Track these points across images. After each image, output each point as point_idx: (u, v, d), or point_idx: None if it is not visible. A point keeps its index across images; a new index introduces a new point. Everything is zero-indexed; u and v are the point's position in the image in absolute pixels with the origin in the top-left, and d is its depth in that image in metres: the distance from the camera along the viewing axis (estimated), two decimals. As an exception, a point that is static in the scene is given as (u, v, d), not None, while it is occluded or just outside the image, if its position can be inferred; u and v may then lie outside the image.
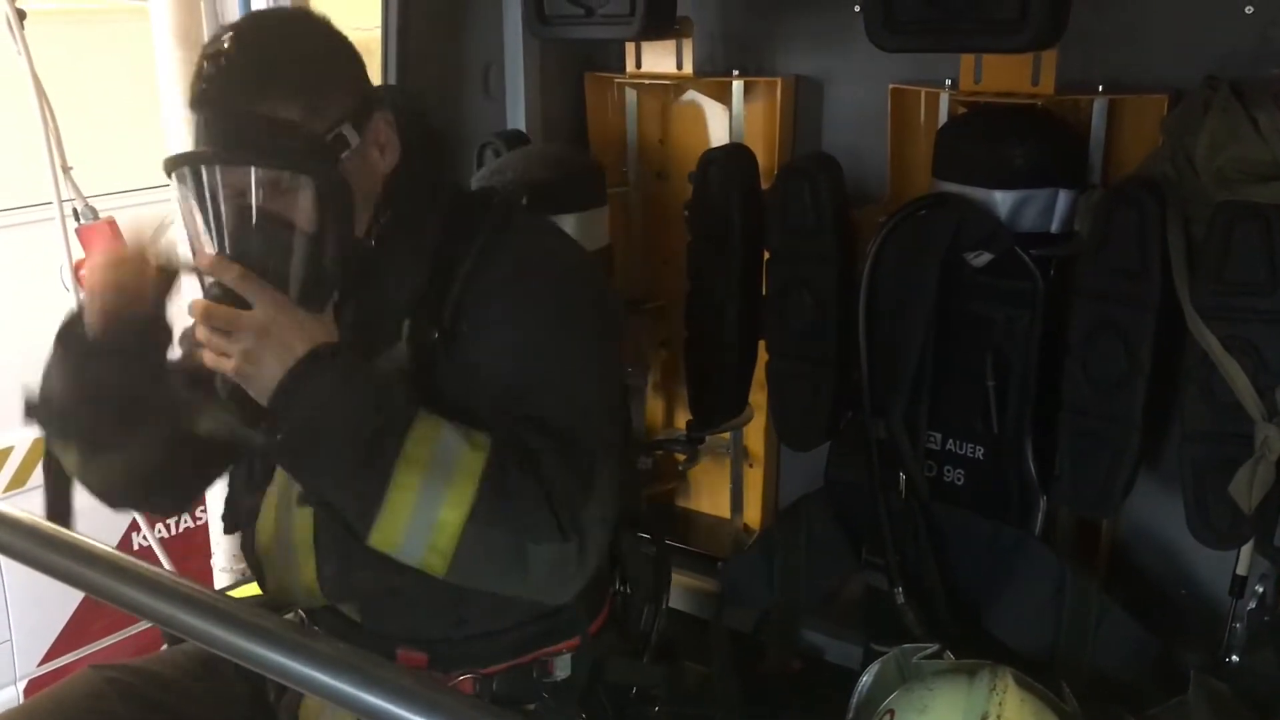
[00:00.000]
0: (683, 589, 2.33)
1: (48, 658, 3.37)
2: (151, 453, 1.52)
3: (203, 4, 2.70)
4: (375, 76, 1.97)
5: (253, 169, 1.32)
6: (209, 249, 1.36)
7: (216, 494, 3.02)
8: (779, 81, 2.46)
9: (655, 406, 2.80)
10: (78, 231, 2.67)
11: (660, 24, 2.23)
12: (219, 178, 1.33)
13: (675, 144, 2.69)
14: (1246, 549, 1.97)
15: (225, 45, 1.35)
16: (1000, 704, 1.67)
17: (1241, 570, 2.00)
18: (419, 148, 1.49)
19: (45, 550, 1.13)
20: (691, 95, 2.64)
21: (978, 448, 2.19)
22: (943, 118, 2.25)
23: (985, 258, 2.07)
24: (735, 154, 2.34)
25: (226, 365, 1.31)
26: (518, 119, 2.67)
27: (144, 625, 3.18)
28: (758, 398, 2.49)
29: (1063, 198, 2.06)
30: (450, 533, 1.30)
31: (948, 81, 2.25)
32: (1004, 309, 2.10)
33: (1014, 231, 2.05)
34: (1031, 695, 1.73)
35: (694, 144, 2.58)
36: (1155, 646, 2.01)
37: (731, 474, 2.74)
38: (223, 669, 1.62)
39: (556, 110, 2.73)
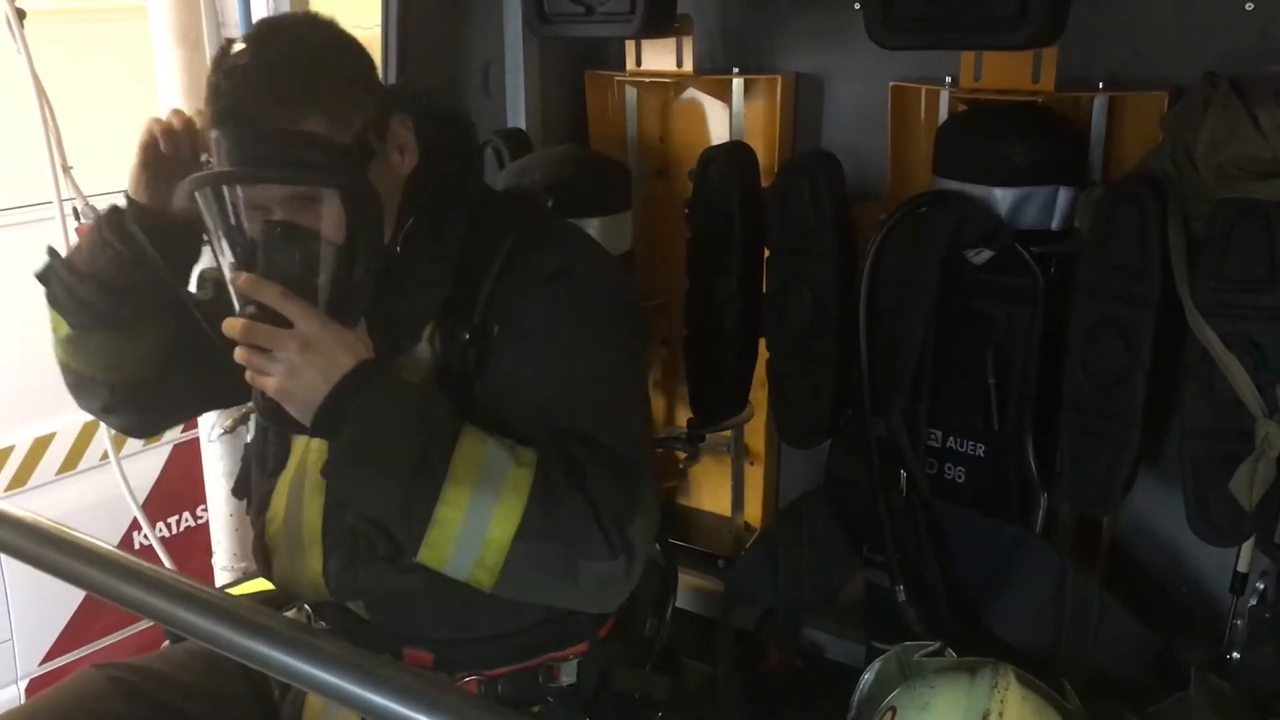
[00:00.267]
0: (683, 587, 2.32)
1: (49, 657, 3.37)
2: (145, 347, 1.52)
3: (203, 4, 2.70)
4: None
5: (282, 186, 1.31)
6: (234, 265, 1.35)
7: (216, 494, 3.03)
8: (779, 79, 2.46)
9: (655, 405, 2.80)
10: (78, 231, 2.66)
11: (660, 22, 2.22)
12: (247, 195, 1.33)
13: (675, 142, 2.69)
14: (1247, 546, 1.97)
15: (243, 59, 1.33)
16: (1002, 701, 1.67)
17: (1242, 567, 2.00)
18: (438, 147, 1.48)
19: (47, 549, 1.13)
20: (692, 93, 2.64)
21: (978, 445, 2.19)
22: (943, 115, 2.25)
23: (985, 255, 2.07)
24: (735, 152, 2.33)
25: (269, 384, 1.30)
26: (518, 117, 2.67)
27: (145, 624, 3.19)
28: (758, 396, 2.49)
29: (1063, 195, 2.06)
30: (499, 549, 1.30)
31: (948, 79, 2.24)
32: (1004, 306, 2.10)
33: (1014, 229, 2.05)
34: (1033, 693, 1.73)
35: (694, 142, 2.57)
36: (1156, 644, 2.01)
37: (732, 472, 2.74)
38: (226, 667, 1.62)
39: (556, 108, 2.73)
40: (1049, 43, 1.83)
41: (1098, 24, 2.05)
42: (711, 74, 2.53)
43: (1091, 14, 1.96)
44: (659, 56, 2.54)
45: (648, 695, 1.69)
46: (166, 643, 1.75)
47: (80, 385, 1.59)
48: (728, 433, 2.67)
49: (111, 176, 2.99)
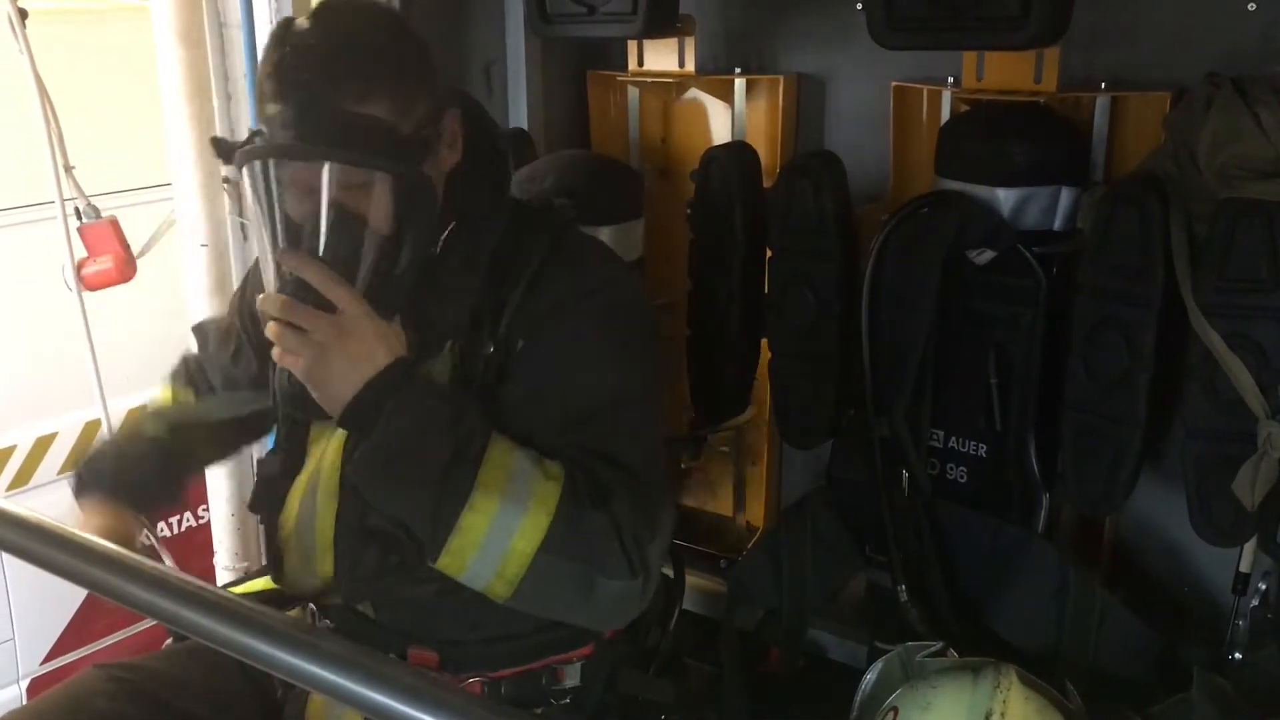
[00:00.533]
0: (686, 588, 2.33)
1: (50, 656, 3.37)
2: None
3: (204, 3, 2.69)
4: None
5: (339, 167, 1.27)
6: (280, 243, 1.31)
7: (216, 493, 3.03)
8: (781, 80, 2.46)
9: (657, 405, 2.80)
10: (80, 230, 2.66)
11: (662, 22, 2.22)
12: (300, 175, 1.29)
13: (677, 142, 2.69)
14: (1249, 546, 1.97)
15: (309, 37, 1.29)
16: (1004, 702, 1.67)
17: (1244, 567, 2.00)
18: (476, 150, 1.45)
19: (50, 548, 1.13)
20: (694, 93, 2.64)
21: (980, 445, 2.19)
22: (945, 116, 2.26)
23: (988, 255, 2.07)
24: (737, 152, 2.34)
25: (298, 365, 1.27)
26: (519, 118, 2.67)
27: (147, 624, 3.19)
28: (760, 396, 2.49)
29: (1065, 195, 2.06)
30: (520, 561, 1.29)
31: (950, 79, 2.25)
32: (1006, 307, 2.10)
33: (1016, 229, 2.05)
34: (1035, 693, 1.73)
35: (696, 142, 2.58)
36: (1158, 644, 2.01)
37: (734, 472, 2.74)
38: (228, 666, 1.61)
39: (558, 109, 2.73)
40: (1051, 43, 1.84)
41: (1100, 24, 2.05)
42: (714, 74, 2.54)
43: (1094, 14, 1.96)
44: (661, 57, 2.54)
45: (652, 699, 1.69)
46: (168, 642, 1.74)
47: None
48: (729, 433, 2.67)
49: (113, 176, 3.01)
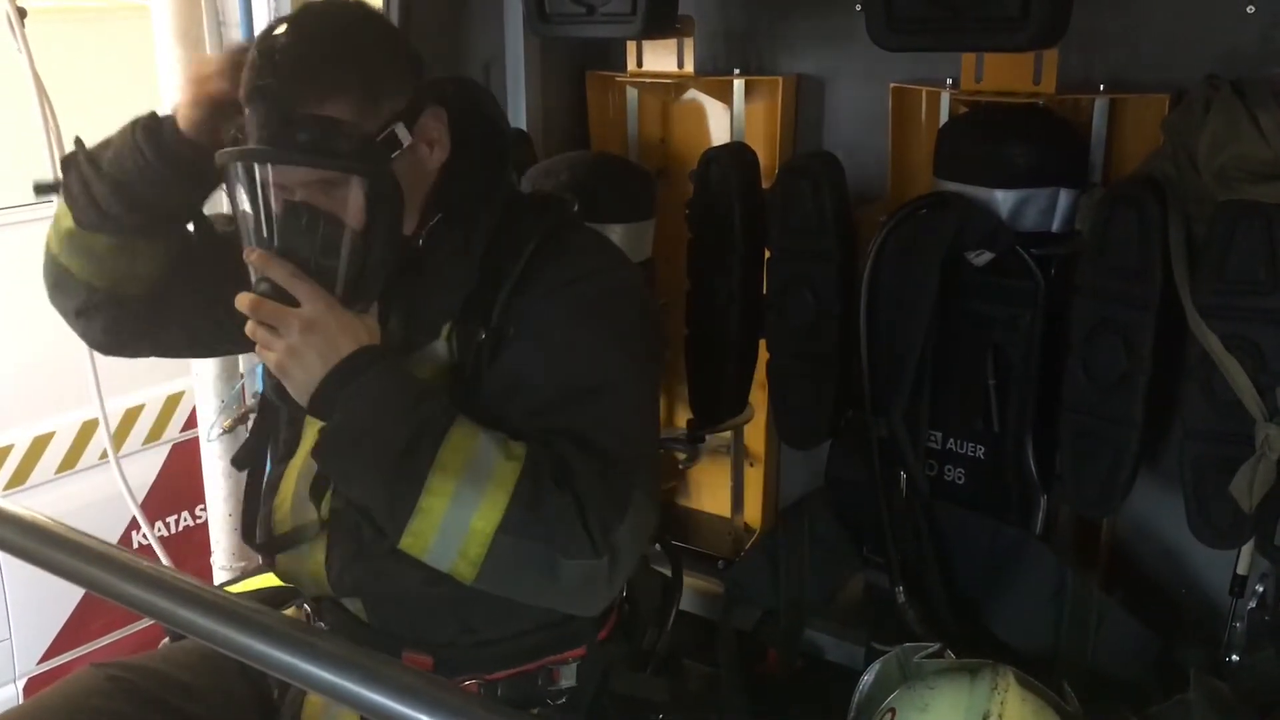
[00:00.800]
0: (684, 589, 2.33)
1: (47, 656, 3.36)
2: (140, 264, 1.54)
3: (204, 3, 2.70)
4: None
5: (301, 168, 1.33)
6: (256, 243, 1.37)
7: (216, 492, 3.03)
8: (780, 80, 2.46)
9: (656, 406, 2.80)
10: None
11: (661, 23, 2.22)
12: (269, 174, 1.34)
13: (676, 143, 2.69)
14: (1247, 548, 1.97)
15: (282, 40, 1.35)
16: (1002, 703, 1.67)
17: (1242, 569, 2.00)
18: (472, 143, 1.48)
19: (47, 547, 1.13)
20: (693, 94, 2.64)
21: (978, 447, 2.19)
22: (944, 117, 2.25)
23: (986, 257, 2.07)
24: (736, 153, 2.34)
25: (270, 360, 1.34)
26: (518, 118, 2.67)
27: (144, 623, 3.19)
28: (758, 396, 2.49)
29: (1064, 197, 2.06)
30: (481, 542, 1.30)
31: (949, 81, 2.25)
32: (1005, 308, 2.10)
33: (1015, 231, 2.05)
34: (1033, 694, 1.73)
35: (695, 143, 2.58)
36: (1155, 645, 2.01)
37: (732, 473, 2.74)
38: (225, 666, 1.62)
39: (557, 109, 2.73)
40: (1050, 44, 1.83)
41: (1099, 26, 2.05)
42: (713, 75, 2.54)
43: (1093, 16, 1.96)
44: (660, 57, 2.54)
45: (647, 698, 1.69)
46: (165, 641, 1.75)
47: (61, 282, 1.60)
48: (728, 434, 2.67)
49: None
